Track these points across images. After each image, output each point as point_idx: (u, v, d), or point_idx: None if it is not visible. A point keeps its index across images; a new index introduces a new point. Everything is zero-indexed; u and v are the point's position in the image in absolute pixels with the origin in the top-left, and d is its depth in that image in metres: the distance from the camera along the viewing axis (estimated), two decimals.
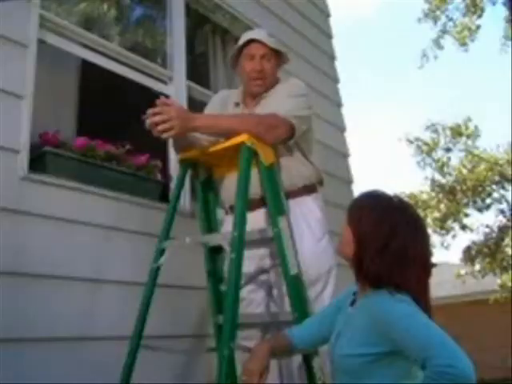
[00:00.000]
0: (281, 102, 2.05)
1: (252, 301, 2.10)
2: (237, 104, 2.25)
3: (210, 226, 2.18)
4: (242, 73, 2.20)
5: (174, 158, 2.70)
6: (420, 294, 1.38)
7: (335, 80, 4.46)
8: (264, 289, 2.13)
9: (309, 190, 2.15)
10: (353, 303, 1.52)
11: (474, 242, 12.04)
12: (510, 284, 11.24)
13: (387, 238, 1.38)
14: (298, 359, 1.93)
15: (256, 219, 2.01)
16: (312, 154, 2.21)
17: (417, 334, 1.26)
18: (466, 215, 12.29)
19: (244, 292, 1.98)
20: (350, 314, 1.49)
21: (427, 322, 1.29)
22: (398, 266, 1.37)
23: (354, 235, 1.44)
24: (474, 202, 12.22)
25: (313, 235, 2.06)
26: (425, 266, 1.42)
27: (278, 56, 2.18)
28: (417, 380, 1.32)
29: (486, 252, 11.67)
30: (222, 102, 2.30)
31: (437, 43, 11.61)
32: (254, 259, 2.03)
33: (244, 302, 1.97)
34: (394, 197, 1.50)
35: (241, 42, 2.18)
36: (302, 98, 2.12)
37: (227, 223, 2.14)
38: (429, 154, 12.70)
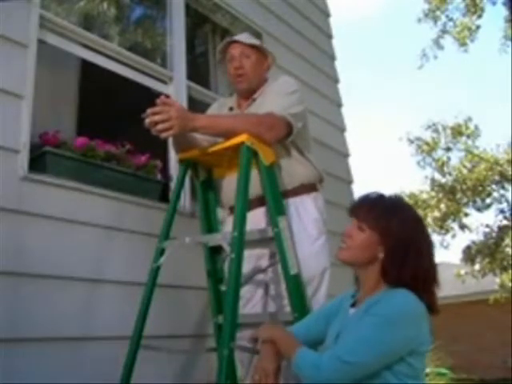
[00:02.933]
0: (275, 100, 2.06)
1: (249, 300, 2.11)
2: (231, 108, 2.28)
3: (210, 225, 2.18)
4: (228, 76, 2.26)
5: (174, 157, 2.70)
6: (432, 293, 1.44)
7: (335, 80, 4.46)
8: (261, 288, 2.14)
9: (307, 189, 2.14)
10: (354, 305, 1.52)
11: (473, 242, 12.04)
12: (509, 283, 11.24)
13: (411, 239, 1.43)
14: None
15: (255, 219, 2.02)
16: (310, 151, 2.21)
17: (364, 330, 1.34)
18: (466, 215, 12.30)
19: (241, 291, 1.98)
20: (353, 314, 1.49)
21: (374, 337, 1.32)
22: (420, 265, 1.42)
23: (383, 237, 1.43)
24: (474, 201, 12.22)
25: (308, 235, 2.05)
26: (434, 266, 1.48)
27: (261, 55, 2.22)
28: (420, 379, 1.35)
29: (485, 252, 11.66)
30: (219, 109, 2.34)
31: (437, 43, 11.63)
32: (251, 259, 2.03)
33: (241, 301, 1.98)
34: (394, 195, 1.55)
35: (220, 47, 2.26)
36: (294, 94, 2.13)
37: (228, 223, 2.14)
38: (429, 153, 12.70)
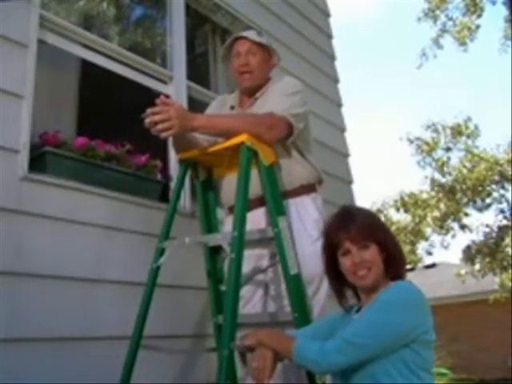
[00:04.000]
0: (276, 101, 2.06)
1: (249, 300, 2.11)
2: (232, 107, 2.27)
3: (210, 225, 2.18)
4: (232, 72, 2.25)
5: (174, 157, 2.70)
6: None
7: (335, 80, 4.46)
8: (261, 288, 2.14)
9: (307, 189, 2.14)
10: (358, 311, 1.55)
11: (473, 242, 12.05)
12: (508, 283, 11.25)
13: (391, 234, 1.58)
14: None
15: (255, 219, 2.02)
16: (311, 153, 2.21)
17: (369, 314, 1.41)
18: (466, 215, 12.30)
19: (241, 291, 1.98)
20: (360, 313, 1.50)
21: (379, 320, 1.38)
22: (400, 252, 1.57)
23: (378, 244, 1.49)
24: (474, 201, 12.23)
25: (308, 236, 2.04)
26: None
27: (266, 53, 2.21)
28: (431, 371, 1.41)
29: (485, 251, 11.67)
30: (220, 107, 2.32)
31: (436, 43, 11.64)
32: (251, 259, 2.03)
33: (241, 301, 1.97)
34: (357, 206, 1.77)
35: (226, 43, 2.25)
36: (297, 95, 2.12)
37: (227, 223, 2.14)
38: (429, 153, 12.70)
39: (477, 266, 11.73)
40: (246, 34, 2.23)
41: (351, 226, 1.50)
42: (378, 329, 1.36)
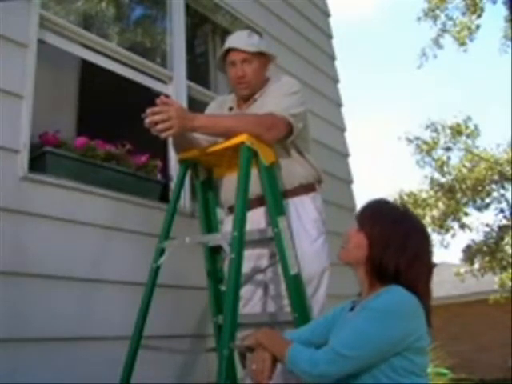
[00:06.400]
0: (276, 101, 2.06)
1: (249, 300, 2.11)
2: (231, 108, 2.27)
3: (210, 225, 2.18)
4: (229, 80, 2.24)
5: (174, 157, 2.69)
6: (427, 295, 1.45)
7: (335, 80, 4.47)
8: (261, 288, 2.14)
9: (306, 189, 2.14)
10: (352, 309, 1.53)
11: (473, 241, 12.05)
12: (508, 282, 11.25)
13: (404, 238, 1.46)
14: None
15: (255, 218, 2.02)
16: (310, 152, 2.21)
17: (358, 324, 1.37)
18: (466, 214, 12.31)
19: (241, 291, 1.98)
20: (350, 317, 1.49)
21: (369, 330, 1.35)
22: (414, 265, 1.44)
23: (368, 238, 1.47)
24: (474, 201, 12.23)
25: (307, 236, 2.05)
26: (431, 270, 1.51)
27: (262, 57, 2.17)
28: (425, 376, 1.38)
29: (485, 251, 11.67)
30: (218, 108, 2.32)
31: (436, 42, 11.64)
32: (251, 259, 2.03)
33: (241, 301, 1.98)
34: (402, 205, 1.61)
35: (220, 53, 2.22)
36: (296, 95, 2.12)
37: (227, 223, 2.14)
38: (428, 152, 12.71)
39: (476, 266, 11.73)
40: (238, 42, 2.15)
41: (361, 207, 1.57)
42: (367, 339, 1.34)
